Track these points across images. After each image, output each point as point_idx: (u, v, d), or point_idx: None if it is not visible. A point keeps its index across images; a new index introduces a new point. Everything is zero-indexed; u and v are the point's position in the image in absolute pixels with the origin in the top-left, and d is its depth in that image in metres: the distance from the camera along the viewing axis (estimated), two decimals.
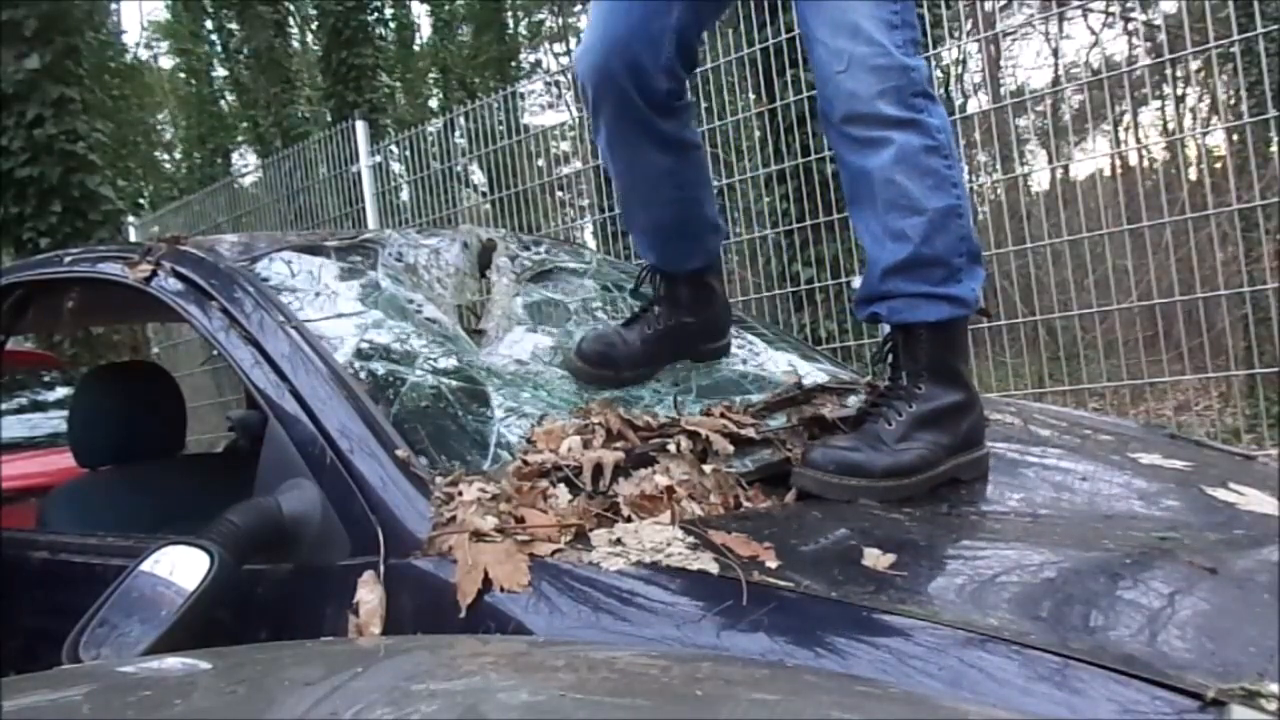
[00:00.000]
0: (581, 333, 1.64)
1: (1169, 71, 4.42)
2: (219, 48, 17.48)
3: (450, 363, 1.46)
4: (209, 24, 17.37)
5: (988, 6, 5.42)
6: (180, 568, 1.11)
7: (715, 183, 5.07)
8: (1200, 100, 7.76)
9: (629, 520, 1.10)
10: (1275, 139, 3.84)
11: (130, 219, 7.91)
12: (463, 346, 1.55)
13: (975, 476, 1.34)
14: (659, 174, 1.53)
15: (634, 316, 1.64)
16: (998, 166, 4.95)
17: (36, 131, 6.58)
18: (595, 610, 0.98)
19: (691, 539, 1.03)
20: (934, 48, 4.33)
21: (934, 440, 1.29)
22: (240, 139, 18.36)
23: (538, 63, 19.14)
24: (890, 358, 1.38)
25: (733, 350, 1.73)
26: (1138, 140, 5.57)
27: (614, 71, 1.43)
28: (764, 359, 1.76)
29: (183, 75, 19.09)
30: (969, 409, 1.34)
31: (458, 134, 6.40)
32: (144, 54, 19.58)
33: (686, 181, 1.56)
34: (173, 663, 0.83)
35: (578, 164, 5.82)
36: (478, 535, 1.06)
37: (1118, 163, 4.84)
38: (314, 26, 14.47)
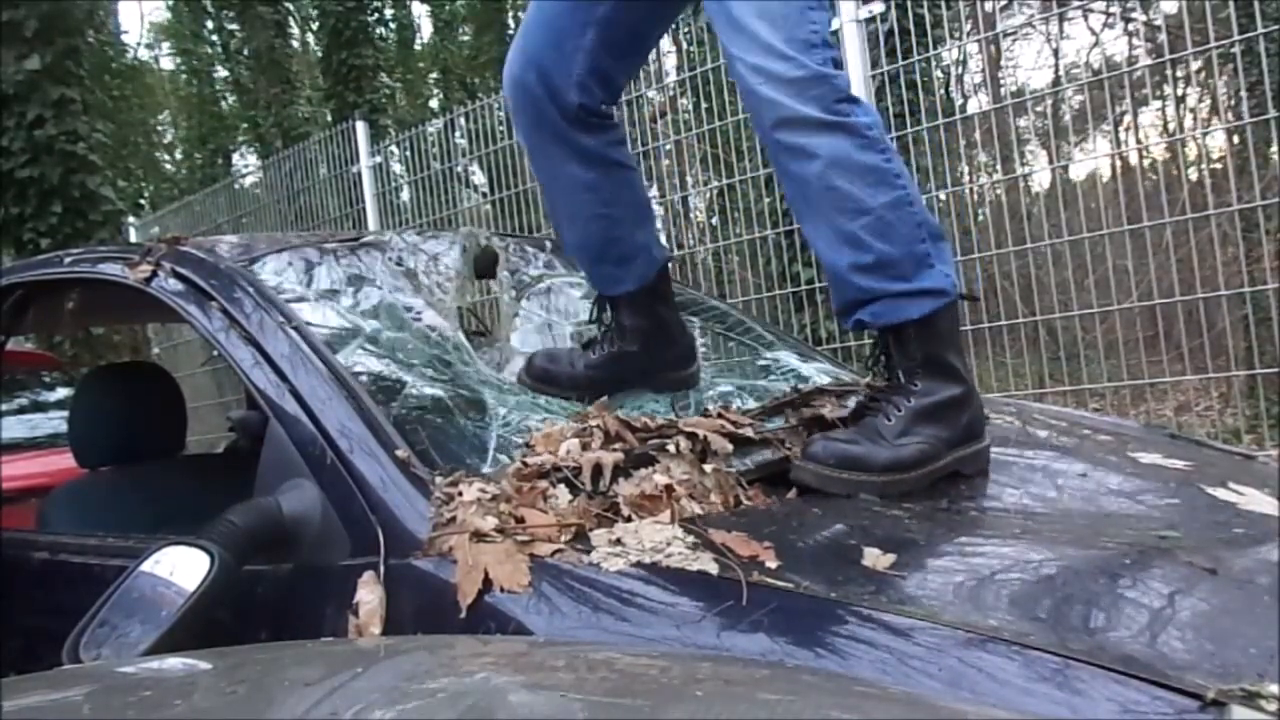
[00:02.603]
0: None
1: (1169, 72, 4.42)
2: (219, 48, 17.48)
3: (449, 369, 1.46)
4: (209, 25, 17.36)
5: (988, 6, 5.42)
6: (180, 568, 1.11)
7: (715, 183, 5.09)
8: (1200, 101, 7.76)
9: (629, 520, 1.10)
10: (1275, 139, 3.84)
11: (130, 219, 7.91)
12: (462, 351, 1.55)
13: (976, 469, 1.34)
14: (578, 188, 1.54)
15: (592, 339, 1.63)
16: (998, 166, 4.95)
17: (37, 132, 6.58)
18: (595, 610, 0.98)
19: (691, 539, 1.03)
20: (934, 48, 4.33)
21: (934, 434, 1.30)
22: (240, 139, 18.35)
23: None
24: (884, 359, 1.38)
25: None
26: (1138, 140, 5.57)
27: (529, 83, 1.50)
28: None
29: (183, 76, 19.08)
30: (967, 402, 1.34)
31: (458, 134, 6.40)
32: (144, 55, 19.59)
33: (609, 200, 1.55)
34: (173, 663, 0.83)
35: None
36: (478, 535, 1.06)
37: (1118, 163, 4.84)
38: (314, 27, 14.46)
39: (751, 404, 1.55)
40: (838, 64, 1.36)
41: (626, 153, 1.60)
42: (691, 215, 6.24)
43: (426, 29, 19.10)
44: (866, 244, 1.31)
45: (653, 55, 3.89)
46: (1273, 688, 0.75)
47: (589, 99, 1.50)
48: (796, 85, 1.30)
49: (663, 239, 1.68)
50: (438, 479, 1.16)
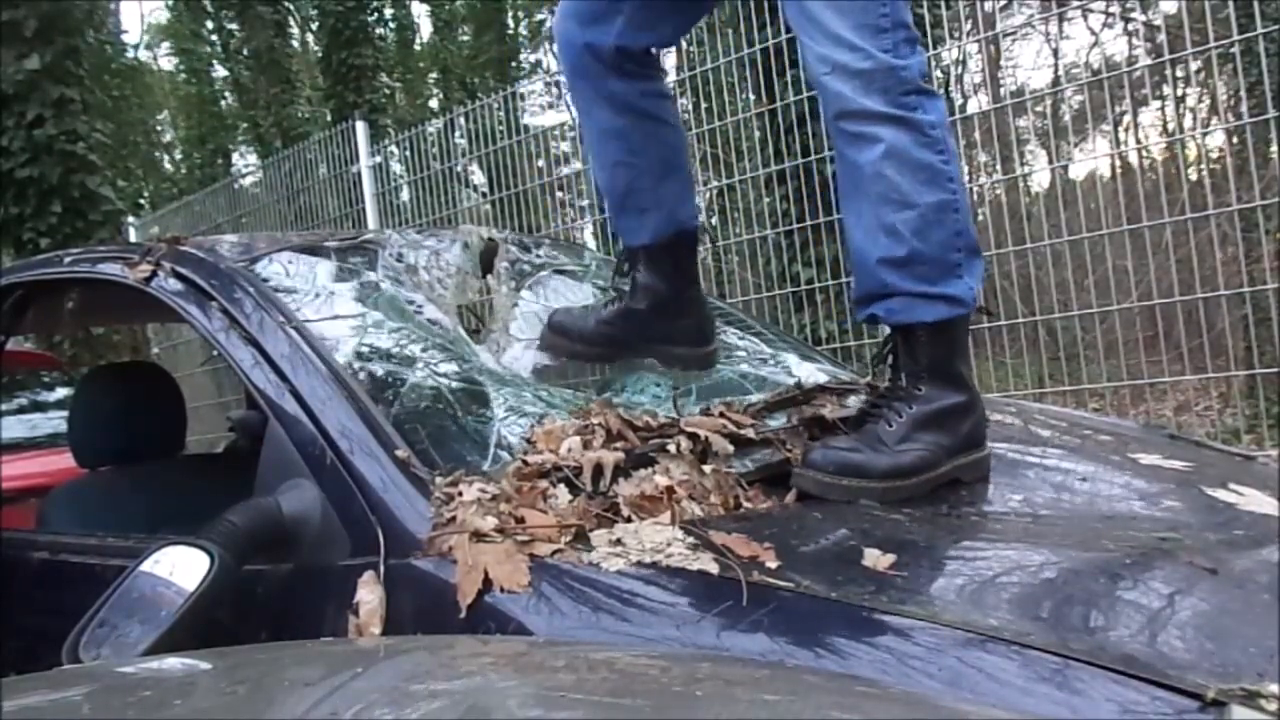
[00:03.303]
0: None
1: (1169, 72, 4.42)
2: (219, 48, 17.48)
3: (450, 366, 1.46)
4: (209, 25, 17.36)
5: (988, 6, 5.42)
6: (180, 568, 1.11)
7: (715, 183, 5.09)
8: (1200, 100, 7.76)
9: (629, 520, 1.10)
10: (1275, 139, 3.84)
11: (130, 219, 7.91)
12: (463, 348, 1.55)
13: (976, 478, 1.34)
14: (605, 133, 1.55)
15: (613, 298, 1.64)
16: (998, 166, 4.94)
17: (36, 132, 6.58)
18: (595, 610, 0.98)
19: (691, 539, 1.03)
20: (934, 48, 4.33)
21: (934, 441, 1.29)
22: (240, 139, 18.36)
23: (538, 63, 19.13)
24: (890, 359, 1.38)
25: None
26: (1138, 140, 5.57)
27: (568, 23, 1.52)
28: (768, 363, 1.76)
29: (183, 76, 19.08)
30: (970, 410, 1.34)
31: (458, 134, 6.40)
32: (144, 55, 19.59)
33: (635, 149, 1.55)
34: (173, 663, 0.83)
35: (578, 164, 5.81)
36: (478, 535, 1.06)
37: (1118, 163, 4.84)
38: (314, 27, 14.47)
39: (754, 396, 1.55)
40: (913, 43, 1.33)
41: (665, 106, 1.59)
42: None
43: (426, 29, 19.12)
44: (903, 238, 1.30)
45: None
46: (1273, 687, 0.75)
47: (628, 42, 1.49)
48: (863, 77, 1.29)
49: (696, 204, 1.66)
50: (438, 479, 1.16)
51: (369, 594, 1.08)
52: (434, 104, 18.24)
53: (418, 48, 18.81)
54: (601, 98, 1.52)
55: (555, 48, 1.58)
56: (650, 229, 1.57)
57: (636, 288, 1.58)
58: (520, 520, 1.09)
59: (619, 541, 1.04)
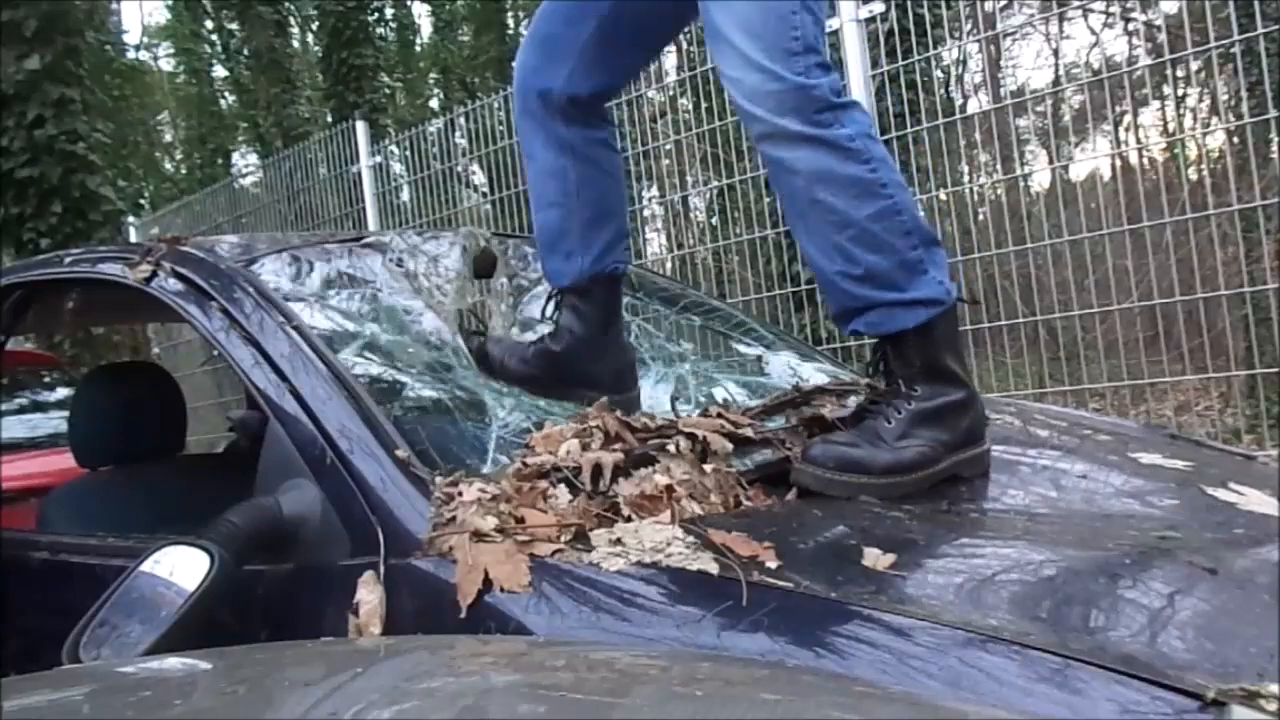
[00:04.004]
0: None
1: (1169, 71, 4.42)
2: (219, 48, 17.48)
3: (448, 368, 1.46)
4: (209, 25, 17.36)
5: (988, 6, 5.42)
6: (180, 568, 1.11)
7: (715, 183, 5.09)
8: (1200, 100, 7.75)
9: (629, 520, 1.10)
10: (1275, 139, 3.84)
11: (130, 219, 7.91)
12: (462, 350, 1.55)
13: (976, 473, 1.34)
14: (544, 172, 1.56)
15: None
16: (998, 166, 4.94)
17: (37, 132, 6.57)
18: (595, 610, 0.98)
19: (691, 539, 1.03)
20: (934, 47, 4.32)
21: (934, 437, 1.29)
22: (240, 139, 18.36)
23: None
24: (883, 365, 1.38)
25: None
26: (1138, 140, 5.56)
27: (524, 65, 1.55)
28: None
29: (183, 76, 19.08)
30: (968, 405, 1.34)
31: (458, 134, 6.40)
32: (144, 55, 19.58)
33: (571, 191, 1.55)
34: (173, 663, 0.83)
35: None
36: (478, 535, 1.06)
37: (1118, 163, 4.84)
38: (314, 26, 14.46)
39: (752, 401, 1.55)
40: (825, 67, 1.33)
41: (607, 156, 1.60)
42: (691, 215, 6.24)
43: (426, 29, 19.11)
44: (855, 256, 1.31)
45: None
46: (1273, 687, 0.75)
47: (577, 89, 1.51)
48: (774, 98, 1.30)
49: (628, 253, 1.64)
50: (438, 479, 1.16)
51: (369, 594, 1.08)
52: (434, 104, 18.24)
53: (418, 48, 18.81)
54: (547, 140, 1.54)
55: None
56: (573, 272, 1.56)
57: (558, 329, 1.57)
58: (520, 520, 1.09)
59: (619, 541, 1.04)
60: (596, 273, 1.56)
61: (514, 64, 1.57)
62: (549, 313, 1.60)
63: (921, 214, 1.39)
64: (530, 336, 1.65)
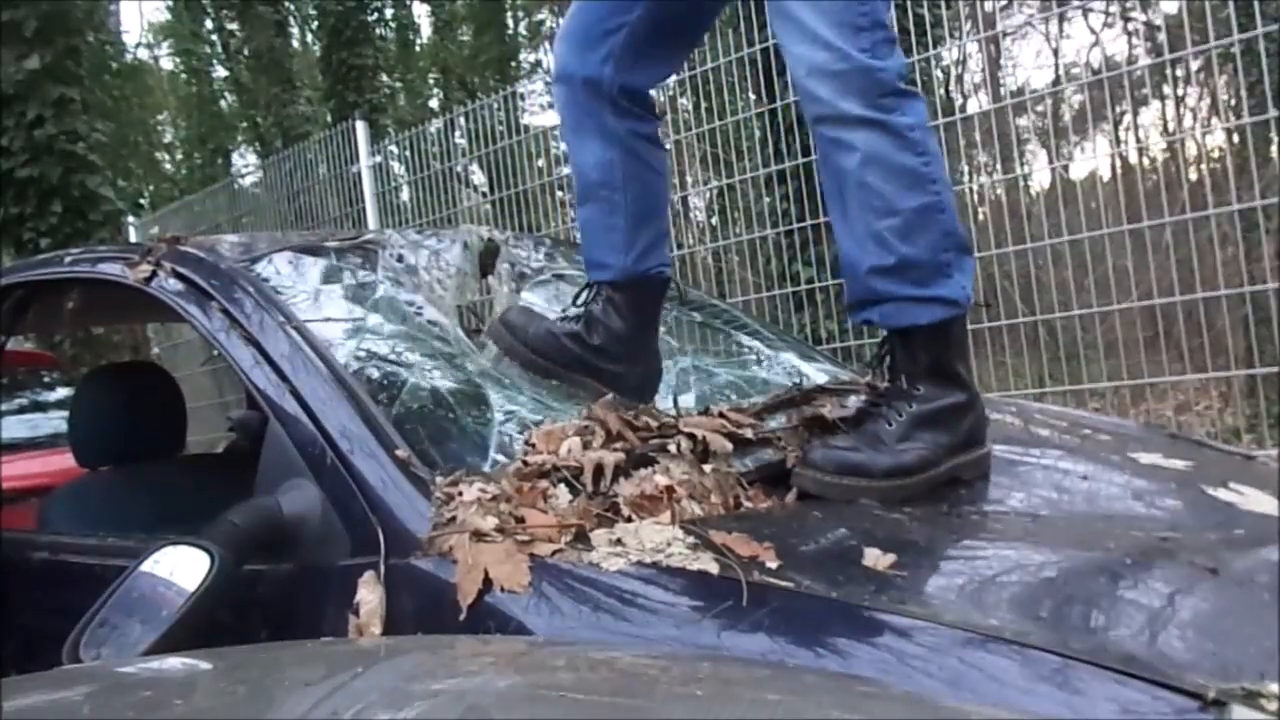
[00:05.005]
0: None
1: (1169, 71, 4.42)
2: (219, 48, 17.47)
3: (449, 367, 1.46)
4: (209, 24, 17.35)
5: (988, 6, 5.41)
6: (180, 568, 1.11)
7: (715, 183, 5.09)
8: (1200, 100, 7.75)
9: (629, 520, 1.10)
10: (1275, 139, 3.84)
11: (130, 219, 7.91)
12: (463, 349, 1.55)
13: (976, 476, 1.34)
14: (591, 164, 1.52)
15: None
16: (998, 166, 4.94)
17: (37, 132, 6.57)
18: (595, 610, 0.98)
19: (691, 539, 1.03)
20: (934, 48, 4.32)
21: (934, 440, 1.29)
22: (240, 139, 18.35)
23: (538, 63, 19.10)
24: (888, 360, 1.38)
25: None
26: (1138, 140, 5.56)
27: (570, 62, 1.50)
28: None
29: (183, 76, 19.07)
30: (969, 408, 1.34)
31: (458, 134, 6.40)
32: (144, 54, 19.57)
33: (618, 185, 1.51)
34: (173, 663, 0.83)
35: None
36: (478, 535, 1.06)
37: (1118, 163, 4.84)
38: (314, 26, 14.47)
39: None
40: (892, 43, 1.31)
41: (655, 152, 1.57)
42: (691, 215, 6.24)
43: (426, 29, 19.10)
44: (891, 245, 1.30)
45: None
46: (1273, 687, 0.75)
47: (625, 80, 1.48)
48: (839, 79, 1.28)
49: (668, 255, 1.61)
50: (438, 479, 1.16)
51: (369, 594, 1.08)
52: (434, 104, 18.24)
53: (418, 48, 18.80)
54: (595, 131, 1.50)
55: (552, 77, 1.55)
56: (617, 268, 1.53)
57: (593, 320, 1.52)
58: (520, 520, 1.09)
59: (619, 541, 1.04)
60: (638, 272, 1.54)
61: (553, 50, 1.52)
62: (582, 299, 1.56)
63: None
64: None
